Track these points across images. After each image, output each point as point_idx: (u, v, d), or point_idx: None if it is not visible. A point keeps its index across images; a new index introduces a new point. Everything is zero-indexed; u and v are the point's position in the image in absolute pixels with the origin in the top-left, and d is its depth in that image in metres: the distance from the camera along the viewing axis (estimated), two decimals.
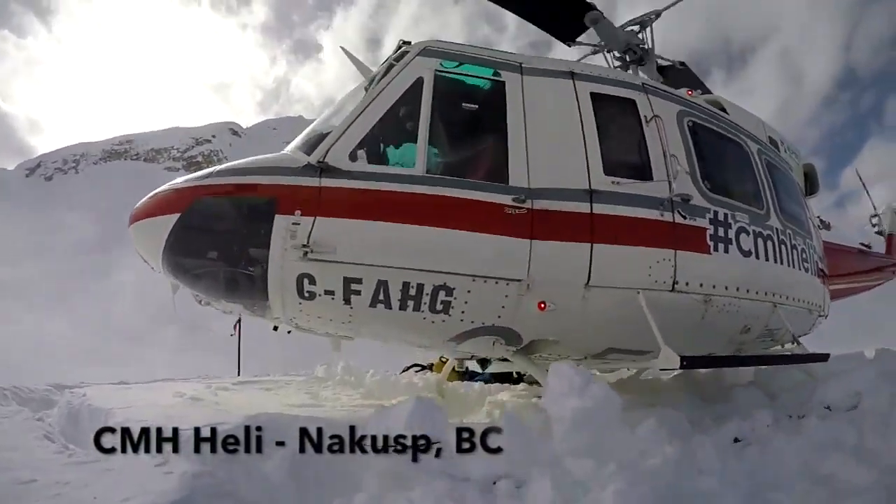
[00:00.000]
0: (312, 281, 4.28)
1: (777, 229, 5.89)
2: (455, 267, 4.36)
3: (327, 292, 4.32)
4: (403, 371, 8.93)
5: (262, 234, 4.24)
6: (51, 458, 3.86)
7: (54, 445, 4.32)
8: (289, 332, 5.23)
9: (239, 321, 11.18)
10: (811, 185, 7.89)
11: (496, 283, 4.43)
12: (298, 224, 4.19)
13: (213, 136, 75.57)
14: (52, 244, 61.35)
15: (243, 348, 11.10)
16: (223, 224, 4.40)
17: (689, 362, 4.45)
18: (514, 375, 7.96)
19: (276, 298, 4.38)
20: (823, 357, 5.70)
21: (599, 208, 4.69)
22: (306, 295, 4.33)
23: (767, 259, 5.65)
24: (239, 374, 10.16)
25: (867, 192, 13.10)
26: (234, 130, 77.35)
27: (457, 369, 8.49)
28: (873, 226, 12.61)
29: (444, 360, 8.66)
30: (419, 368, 8.98)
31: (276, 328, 5.00)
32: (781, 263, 5.86)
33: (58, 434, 4.83)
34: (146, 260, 4.77)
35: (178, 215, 4.40)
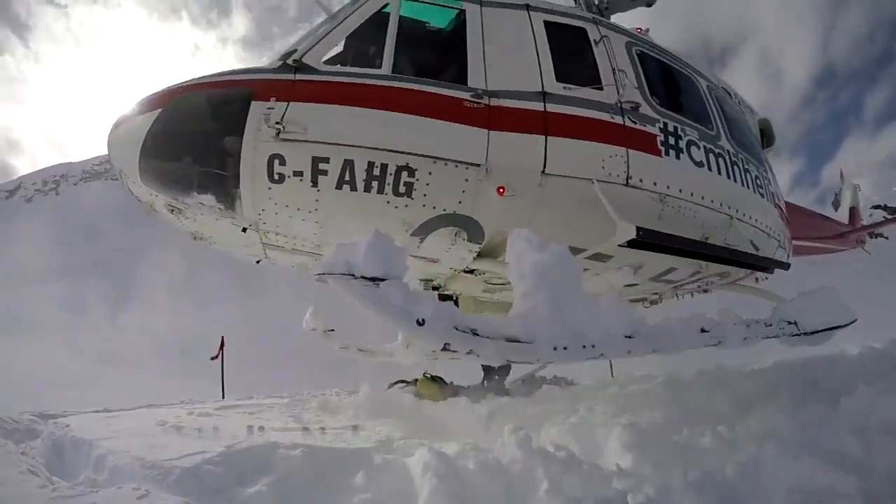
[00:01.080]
0: (283, 161, 4.52)
1: (729, 151, 6.33)
2: (417, 148, 4.65)
3: (296, 173, 4.54)
4: (389, 387, 9.03)
5: (238, 119, 4.58)
6: (34, 492, 3.91)
7: (38, 479, 4.36)
8: (258, 261, 5.79)
9: (222, 345, 11.23)
10: (767, 138, 8.27)
11: (456, 166, 4.74)
12: (273, 108, 4.54)
13: None
14: (32, 267, 60.56)
15: (228, 372, 11.12)
16: (202, 114, 4.71)
17: (644, 234, 4.69)
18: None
19: (247, 183, 4.59)
20: (785, 265, 6.48)
21: (552, 107, 5.16)
22: (276, 177, 4.55)
23: (720, 174, 6.04)
24: (223, 398, 10.18)
25: (843, 196, 13.91)
26: None
27: (428, 376, 8.66)
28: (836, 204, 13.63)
29: (427, 375, 8.78)
30: (403, 384, 9.09)
31: (244, 230, 5.09)
32: (735, 182, 6.25)
33: (41, 467, 4.86)
34: (122, 170, 5.03)
35: (159, 110, 4.76)
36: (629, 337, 4.24)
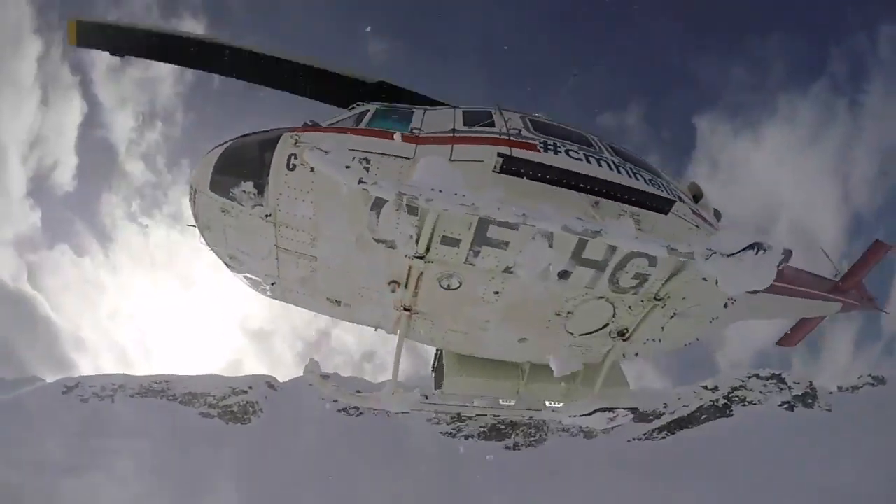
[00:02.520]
0: (295, 157, 6.50)
1: (613, 160, 7.35)
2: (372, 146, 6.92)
3: (302, 164, 6.44)
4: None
5: (274, 143, 6.66)
6: None
7: None
8: (272, 283, 7.46)
9: None
10: (695, 195, 8.47)
11: (395, 159, 6.69)
12: (295, 135, 6.63)
13: (250, 388, 77.46)
14: (83, 467, 60.34)
15: None
16: (254, 142, 6.88)
17: (507, 160, 6.32)
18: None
19: (273, 174, 6.59)
20: (668, 202, 6.91)
21: (458, 134, 6.99)
22: (291, 167, 6.52)
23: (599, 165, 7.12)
24: None
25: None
26: (270, 384, 79.47)
27: None
28: None
29: None
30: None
31: (267, 216, 6.76)
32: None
33: None
34: (196, 186, 7.05)
35: (226, 145, 7.00)
36: None
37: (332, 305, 7.67)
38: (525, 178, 6.39)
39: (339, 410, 73.99)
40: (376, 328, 8.05)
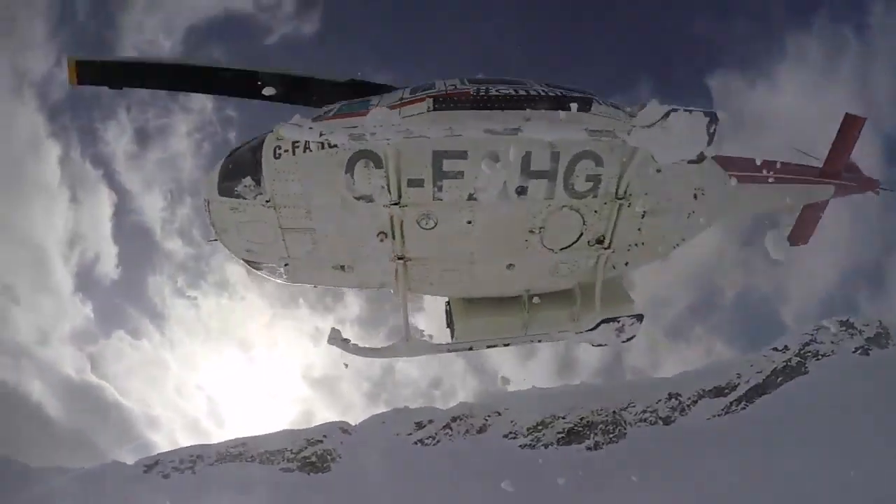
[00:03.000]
0: (280, 147, 7.28)
1: (542, 90, 7.57)
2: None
3: (285, 150, 7.28)
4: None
5: (261, 141, 7.43)
6: None
7: None
8: (285, 266, 8.08)
9: None
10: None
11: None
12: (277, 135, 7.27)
13: (325, 436, 78.35)
14: None
15: None
16: (247, 147, 7.66)
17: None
18: None
19: (265, 166, 7.35)
20: (586, 102, 7.14)
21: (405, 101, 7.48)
22: (276, 155, 7.28)
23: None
24: None
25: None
26: (343, 429, 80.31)
27: None
28: None
29: None
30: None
31: (267, 202, 7.53)
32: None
33: None
34: (208, 199, 7.82)
35: (224, 159, 7.80)
36: None
37: (339, 273, 8.31)
38: (456, 110, 7.05)
39: (415, 443, 74.45)
40: (380, 288, 8.66)
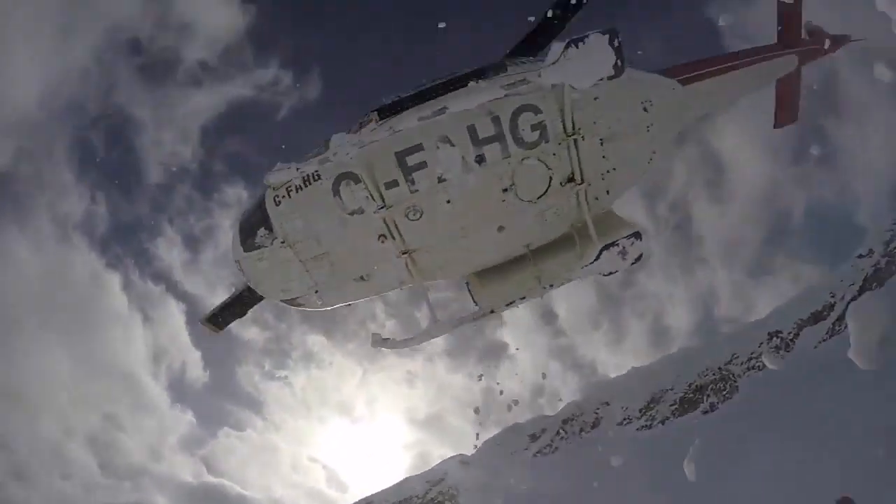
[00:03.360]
0: (278, 196, 8.31)
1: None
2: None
3: (282, 195, 8.27)
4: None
5: (262, 196, 8.56)
6: None
7: None
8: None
9: None
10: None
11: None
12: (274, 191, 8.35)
13: (446, 473, 79.60)
14: None
15: None
16: (251, 206, 8.84)
17: None
18: None
19: (269, 210, 8.37)
20: (499, 67, 8.47)
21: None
22: (277, 203, 8.32)
23: None
24: None
25: None
26: (462, 461, 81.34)
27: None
28: None
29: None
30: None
31: (282, 242, 8.49)
32: None
33: None
34: (238, 260, 8.91)
35: (237, 226, 8.93)
36: None
37: (362, 284, 9.13)
38: (396, 114, 8.20)
39: (535, 455, 74.74)
40: (401, 285, 9.37)
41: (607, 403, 76.42)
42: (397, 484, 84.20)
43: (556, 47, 7.43)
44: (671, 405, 68.44)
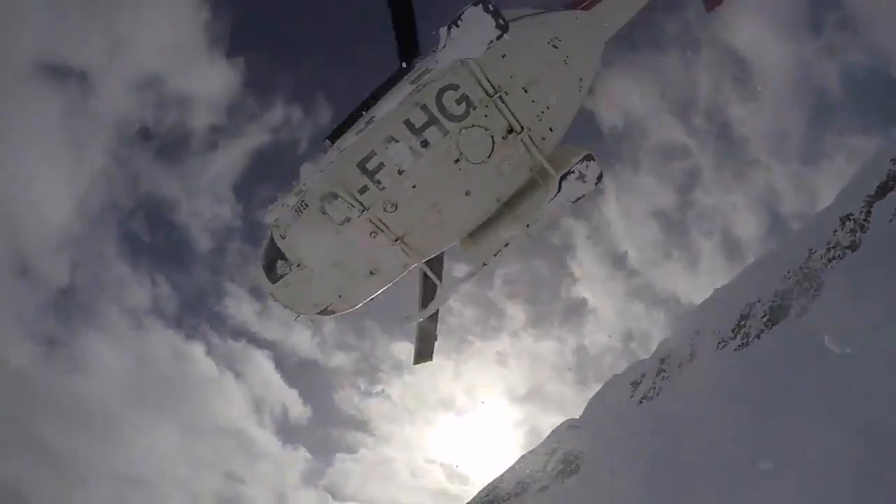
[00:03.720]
0: (284, 229, 9.53)
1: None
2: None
3: (282, 228, 9.56)
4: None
5: (272, 238, 9.80)
6: None
7: None
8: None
9: None
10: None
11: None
12: (277, 226, 9.64)
13: (559, 441, 79.60)
14: None
15: None
16: (266, 246, 9.98)
17: None
18: None
19: (281, 242, 9.59)
20: (409, 67, 9.16)
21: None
22: (283, 237, 9.52)
23: None
24: None
25: None
26: (571, 425, 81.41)
27: None
28: None
29: None
30: None
31: (298, 265, 9.71)
32: None
33: None
34: (270, 293, 10.10)
35: (259, 267, 10.14)
36: None
37: (374, 278, 10.17)
38: (341, 136, 9.32)
39: (640, 402, 74.48)
40: (406, 269, 10.27)
41: (698, 332, 75.35)
42: (516, 463, 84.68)
43: (442, 33, 8.10)
44: (762, 317, 66.74)
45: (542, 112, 9.23)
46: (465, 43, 8.10)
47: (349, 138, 8.95)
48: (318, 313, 10.42)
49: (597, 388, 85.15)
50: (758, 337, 65.47)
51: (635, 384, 78.79)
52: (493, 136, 9.03)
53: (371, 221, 9.30)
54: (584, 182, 9.28)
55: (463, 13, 7.96)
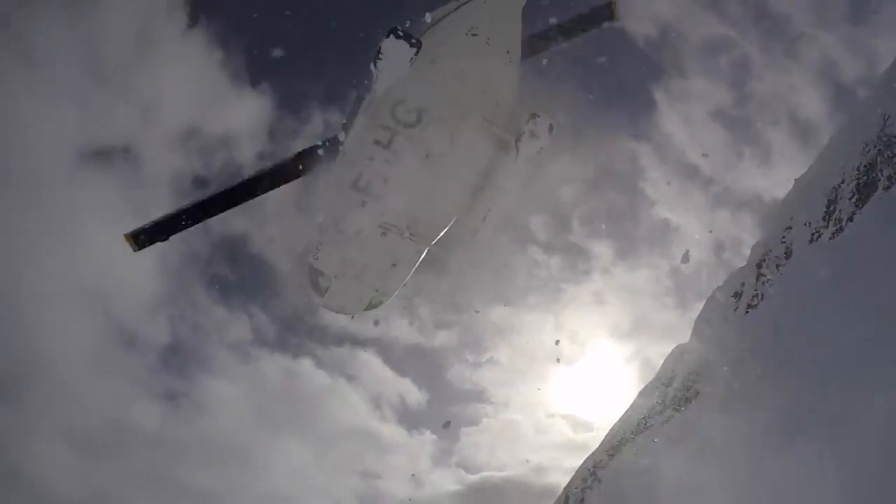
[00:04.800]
0: (316, 250, 10.29)
1: None
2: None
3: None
4: None
5: (311, 265, 10.55)
6: None
7: None
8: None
9: None
10: None
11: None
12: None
13: (674, 371, 79.39)
14: None
15: None
16: (309, 274, 10.68)
17: None
18: None
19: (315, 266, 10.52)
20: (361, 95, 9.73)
21: None
22: (315, 259, 10.32)
23: None
24: None
25: None
26: (682, 351, 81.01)
27: None
28: None
29: None
30: None
31: (335, 276, 10.69)
32: None
33: None
34: (321, 304, 11.16)
35: (308, 284, 10.85)
36: None
37: (397, 268, 11.03)
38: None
39: (746, 311, 72.92)
40: (420, 254, 10.98)
41: (789, 228, 72.59)
42: (635, 400, 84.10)
43: (371, 68, 9.14)
44: (850, 198, 63.64)
45: (484, 92, 10.17)
46: (389, 72, 9.12)
47: (336, 170, 10.26)
48: (365, 309, 11.90)
49: (699, 306, 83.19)
50: (850, 219, 62.53)
51: (737, 295, 76.09)
52: (449, 128, 10.16)
53: (379, 226, 10.70)
54: (537, 137, 9.98)
55: (381, 49, 8.84)
